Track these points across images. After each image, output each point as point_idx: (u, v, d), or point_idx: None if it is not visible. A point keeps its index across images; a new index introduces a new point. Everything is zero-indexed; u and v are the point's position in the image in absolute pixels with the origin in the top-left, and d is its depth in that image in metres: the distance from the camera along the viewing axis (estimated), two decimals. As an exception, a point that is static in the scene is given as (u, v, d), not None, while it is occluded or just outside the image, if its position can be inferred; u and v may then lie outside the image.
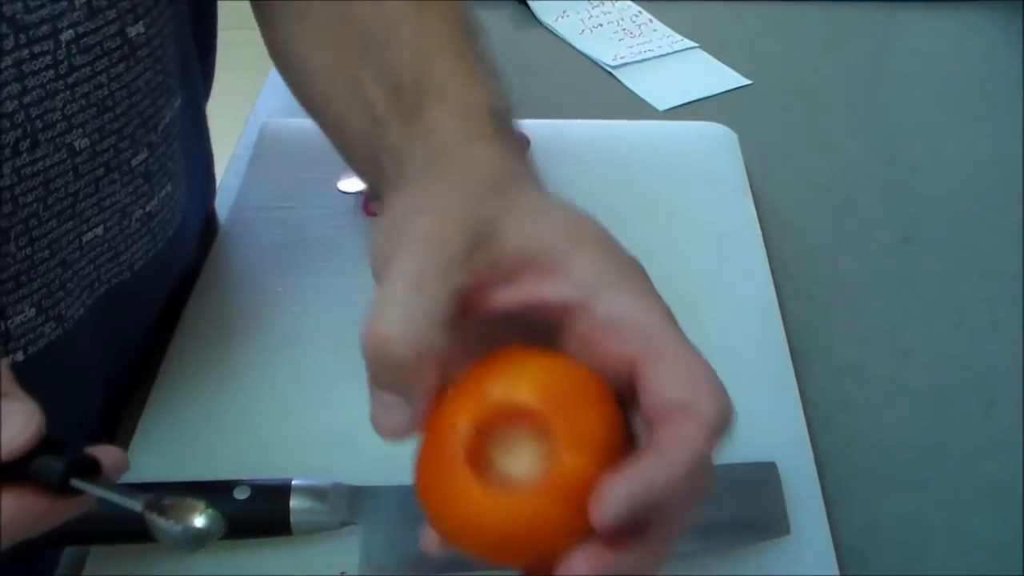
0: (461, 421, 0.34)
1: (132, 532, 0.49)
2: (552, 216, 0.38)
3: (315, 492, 0.49)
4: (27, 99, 0.44)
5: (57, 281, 0.49)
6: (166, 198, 0.55)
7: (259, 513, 0.49)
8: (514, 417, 0.34)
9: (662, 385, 0.35)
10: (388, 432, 0.36)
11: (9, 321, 0.48)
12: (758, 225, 0.69)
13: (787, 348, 0.61)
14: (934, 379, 0.62)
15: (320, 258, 0.66)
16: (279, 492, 0.49)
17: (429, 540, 0.36)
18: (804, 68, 0.91)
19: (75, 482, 0.36)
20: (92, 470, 0.37)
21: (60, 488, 0.36)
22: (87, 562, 0.50)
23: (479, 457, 0.34)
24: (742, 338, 0.61)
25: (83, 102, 0.47)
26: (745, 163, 0.75)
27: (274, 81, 0.85)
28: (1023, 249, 0.70)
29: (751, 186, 0.73)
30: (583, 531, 0.33)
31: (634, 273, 0.37)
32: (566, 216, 0.38)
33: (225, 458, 0.53)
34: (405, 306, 0.34)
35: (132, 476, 0.53)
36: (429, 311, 0.34)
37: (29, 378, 0.37)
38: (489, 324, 0.37)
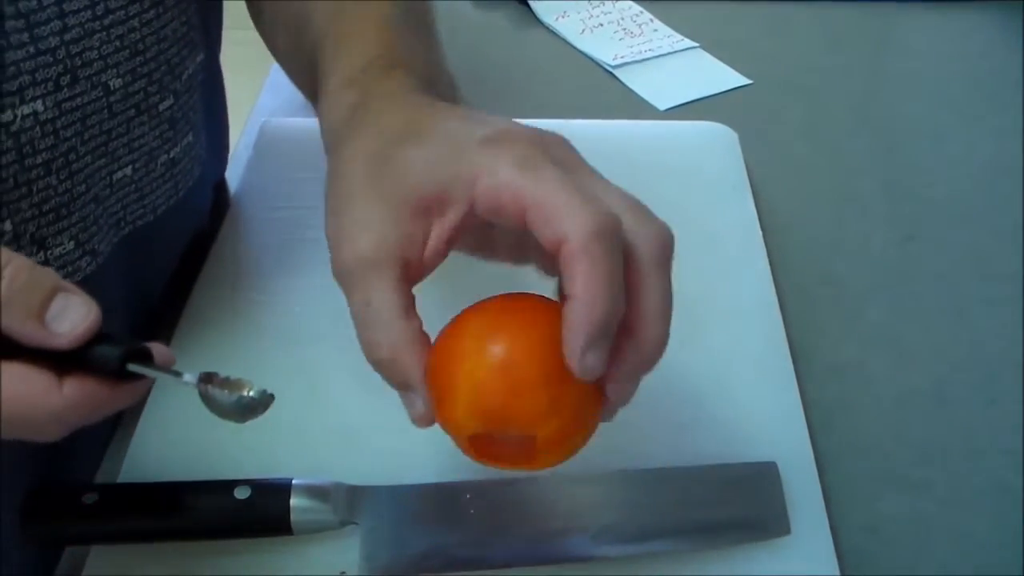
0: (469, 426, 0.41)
1: (132, 532, 0.49)
2: (467, 140, 0.41)
3: (315, 492, 0.49)
4: (67, 36, 0.48)
5: (91, 216, 0.53)
6: (187, 147, 0.59)
7: (259, 513, 0.49)
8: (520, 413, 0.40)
9: (538, 231, 0.38)
10: (419, 421, 0.42)
11: (49, 252, 0.51)
12: (758, 225, 0.69)
13: (787, 348, 0.61)
14: (934, 379, 0.62)
15: (320, 258, 0.65)
16: (279, 492, 0.49)
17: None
18: (804, 68, 0.91)
19: (132, 366, 0.39)
20: (146, 357, 0.40)
21: (118, 373, 0.39)
22: (87, 562, 0.50)
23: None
24: (742, 338, 0.61)
25: (117, 43, 0.51)
26: (745, 163, 0.75)
27: (274, 81, 0.85)
28: (1023, 249, 0.70)
29: (751, 186, 0.73)
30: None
31: (534, 148, 0.40)
32: (478, 131, 0.41)
33: (225, 458, 0.53)
34: (391, 335, 0.41)
35: (132, 476, 0.53)
36: (409, 331, 0.41)
37: None
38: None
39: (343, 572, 0.48)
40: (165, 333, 0.61)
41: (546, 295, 0.42)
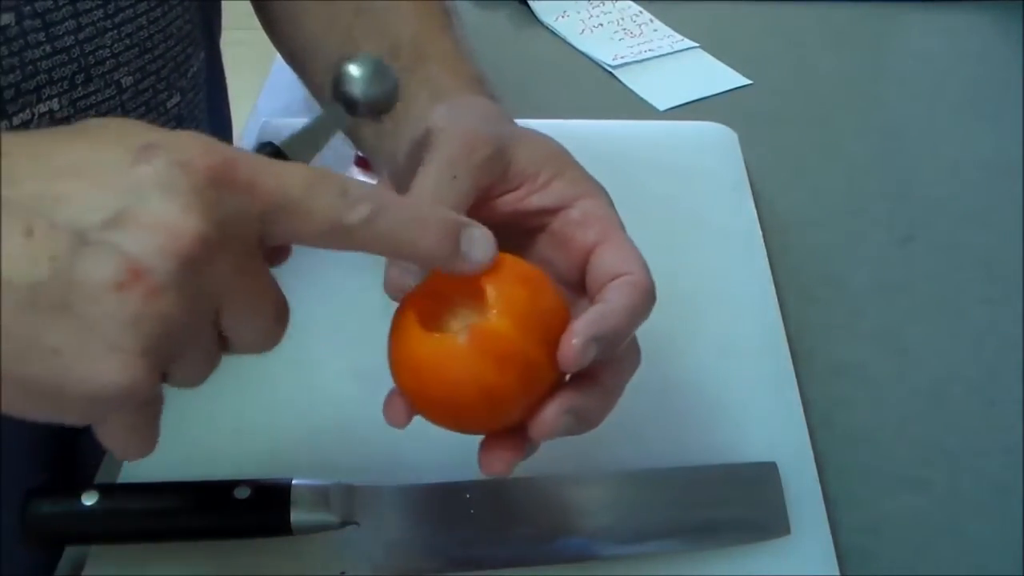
0: (420, 290, 0.42)
1: (132, 532, 0.49)
2: (543, 146, 0.47)
3: (315, 492, 0.49)
4: (81, 35, 0.49)
5: None
6: None
7: (259, 513, 0.49)
8: (462, 287, 0.40)
9: (607, 260, 0.43)
10: (396, 289, 0.42)
11: None
12: (758, 225, 0.69)
13: (787, 348, 0.61)
14: (934, 379, 0.62)
15: (320, 258, 0.66)
16: (279, 492, 0.49)
17: (394, 410, 0.41)
18: (804, 68, 0.91)
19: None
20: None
21: None
22: (87, 562, 0.50)
23: (433, 319, 0.41)
24: (742, 338, 0.61)
25: (128, 41, 0.52)
26: (745, 163, 0.75)
27: (274, 81, 0.85)
28: (1023, 249, 0.70)
29: (751, 186, 0.73)
30: (494, 378, 0.39)
31: (599, 189, 0.47)
32: (552, 147, 0.47)
33: (225, 458, 0.53)
34: (440, 191, 0.42)
35: (132, 476, 0.53)
36: (457, 198, 0.42)
37: None
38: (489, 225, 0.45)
39: (343, 572, 0.48)
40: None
41: None
